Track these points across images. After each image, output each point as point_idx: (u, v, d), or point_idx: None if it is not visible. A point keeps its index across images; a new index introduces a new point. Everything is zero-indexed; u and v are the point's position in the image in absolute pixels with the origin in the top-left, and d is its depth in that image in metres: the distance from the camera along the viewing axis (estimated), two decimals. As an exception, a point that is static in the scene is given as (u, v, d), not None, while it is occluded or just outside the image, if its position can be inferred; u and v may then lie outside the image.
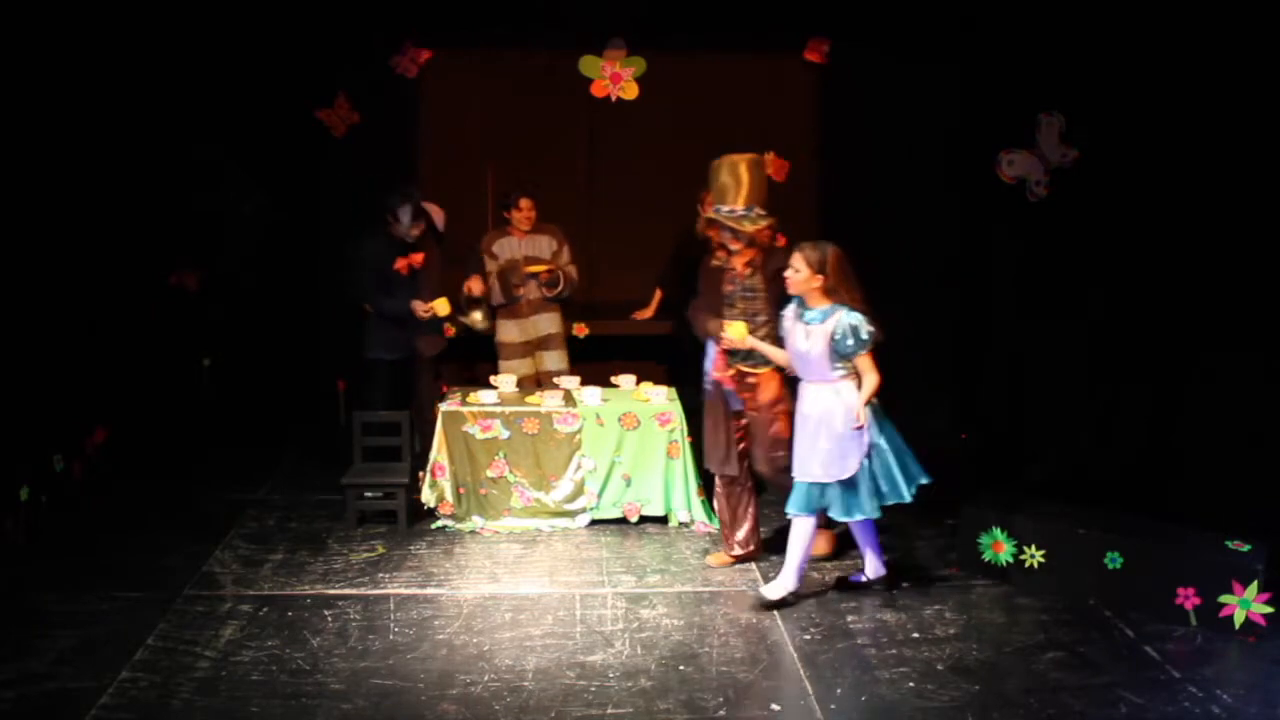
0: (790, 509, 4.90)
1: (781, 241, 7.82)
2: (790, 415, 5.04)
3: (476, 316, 6.50)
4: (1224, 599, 4.66)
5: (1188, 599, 4.73)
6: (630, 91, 7.66)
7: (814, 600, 5.02)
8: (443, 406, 5.97)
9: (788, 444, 5.02)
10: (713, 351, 5.26)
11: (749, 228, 5.05)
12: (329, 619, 4.77)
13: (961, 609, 4.95)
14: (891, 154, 7.61)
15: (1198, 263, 6.06)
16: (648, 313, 7.13)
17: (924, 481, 4.90)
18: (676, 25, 7.47)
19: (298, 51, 7.31)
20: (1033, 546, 5.13)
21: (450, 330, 7.42)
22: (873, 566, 5.11)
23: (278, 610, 4.85)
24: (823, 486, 4.82)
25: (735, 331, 5.06)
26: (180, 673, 4.28)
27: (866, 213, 7.72)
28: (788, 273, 4.82)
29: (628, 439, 5.92)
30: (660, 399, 6.04)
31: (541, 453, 5.92)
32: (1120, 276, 6.53)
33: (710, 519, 5.94)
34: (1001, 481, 6.25)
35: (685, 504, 5.95)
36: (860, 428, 4.74)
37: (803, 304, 4.86)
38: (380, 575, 5.27)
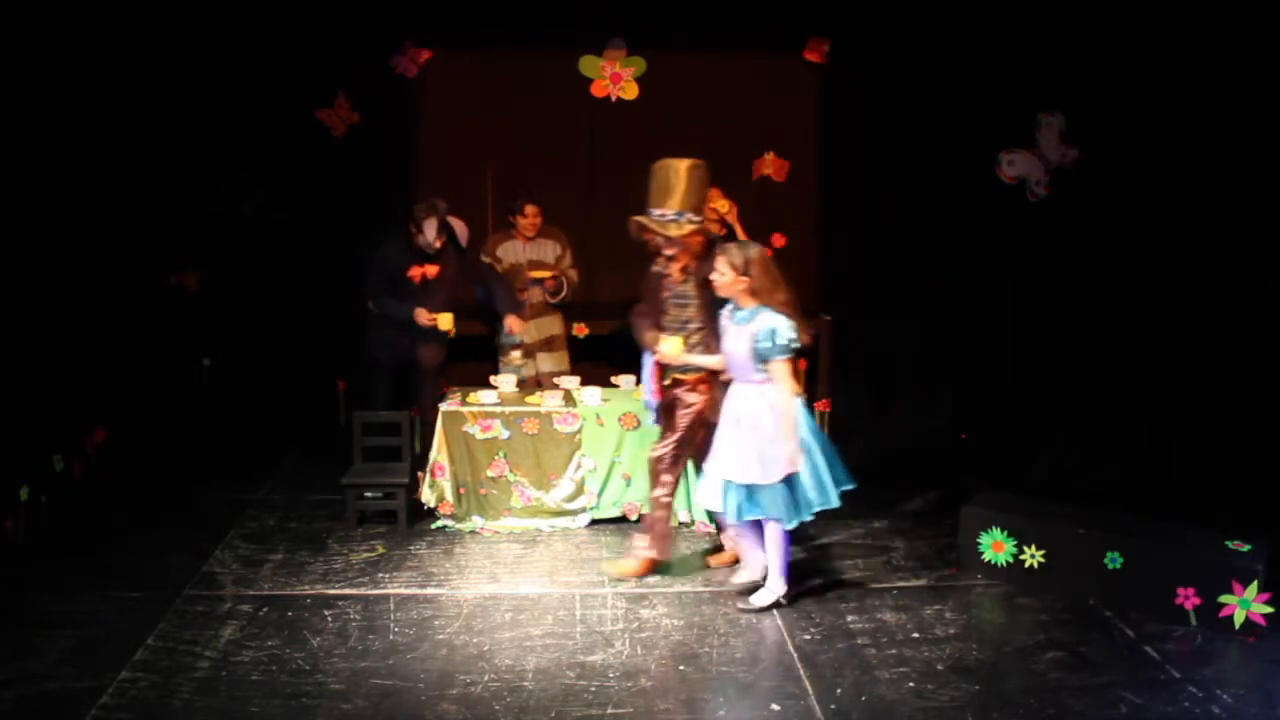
0: (730, 519, 4.89)
1: (781, 242, 7.90)
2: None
3: (515, 356, 6.49)
4: (1224, 599, 4.66)
5: (1188, 599, 4.73)
6: (630, 91, 7.66)
7: (814, 600, 5.02)
8: (443, 406, 5.97)
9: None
10: (648, 362, 5.24)
11: (674, 232, 5.00)
12: (329, 619, 4.77)
13: (961, 609, 4.95)
14: (891, 154, 7.61)
15: (1198, 263, 6.06)
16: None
17: (848, 487, 4.86)
18: (676, 25, 7.47)
19: (298, 51, 7.31)
20: (1033, 546, 5.14)
21: (451, 331, 7.44)
22: (759, 570, 4.99)
23: (278, 610, 4.85)
24: (749, 488, 4.77)
25: (670, 348, 5.04)
26: (180, 673, 4.28)
27: (866, 213, 7.73)
28: (714, 275, 4.82)
29: (628, 439, 5.92)
30: (660, 399, 6.04)
31: (541, 453, 5.92)
32: (1120, 277, 6.52)
33: (711, 519, 5.94)
34: (1001, 481, 6.26)
35: (685, 504, 5.94)
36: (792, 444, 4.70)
37: (735, 305, 4.85)
38: (380, 575, 5.27)
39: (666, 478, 5.23)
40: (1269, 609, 4.59)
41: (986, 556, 5.26)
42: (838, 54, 7.71)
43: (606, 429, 5.91)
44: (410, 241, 6.15)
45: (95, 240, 6.40)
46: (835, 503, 4.81)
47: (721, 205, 6.63)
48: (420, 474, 6.03)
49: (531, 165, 7.76)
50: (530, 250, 6.68)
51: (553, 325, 6.80)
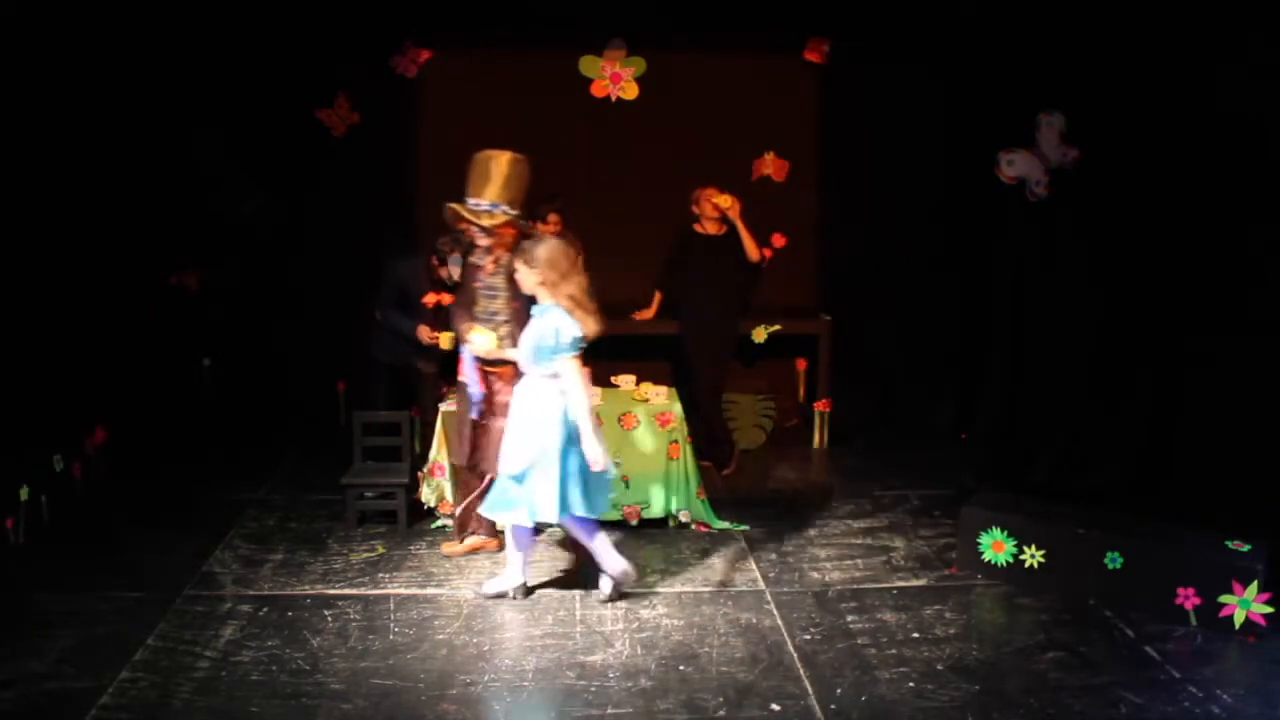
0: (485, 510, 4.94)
1: (781, 242, 7.90)
2: None
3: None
4: (1224, 599, 4.66)
5: (1188, 599, 4.73)
6: (630, 91, 7.66)
7: (814, 600, 5.03)
8: (443, 407, 5.96)
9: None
10: (467, 353, 5.26)
11: (487, 222, 5.03)
12: (329, 619, 4.77)
13: (961, 609, 4.95)
14: (891, 154, 7.62)
15: (1198, 263, 6.06)
16: (648, 314, 7.15)
17: (604, 510, 4.93)
18: (676, 25, 7.47)
19: (298, 51, 7.31)
20: (1033, 546, 5.14)
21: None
22: (611, 564, 4.98)
23: (278, 610, 4.85)
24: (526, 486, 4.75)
25: (481, 340, 5.06)
26: (180, 673, 4.28)
27: (866, 213, 7.73)
28: (516, 274, 4.87)
29: (627, 439, 5.92)
30: (660, 399, 6.04)
31: (541, 453, 5.92)
32: (1120, 277, 6.52)
33: (711, 519, 5.95)
34: (1001, 481, 6.26)
35: (685, 504, 5.94)
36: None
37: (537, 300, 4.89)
38: (380, 575, 5.27)
39: (482, 467, 5.29)
40: (1269, 609, 4.59)
41: (986, 556, 5.26)
42: (838, 54, 7.72)
43: (606, 430, 5.89)
44: (429, 268, 6.16)
45: (95, 240, 6.40)
46: (599, 512, 4.86)
47: (724, 200, 6.65)
48: (420, 474, 6.03)
49: (531, 165, 7.76)
50: None
51: None
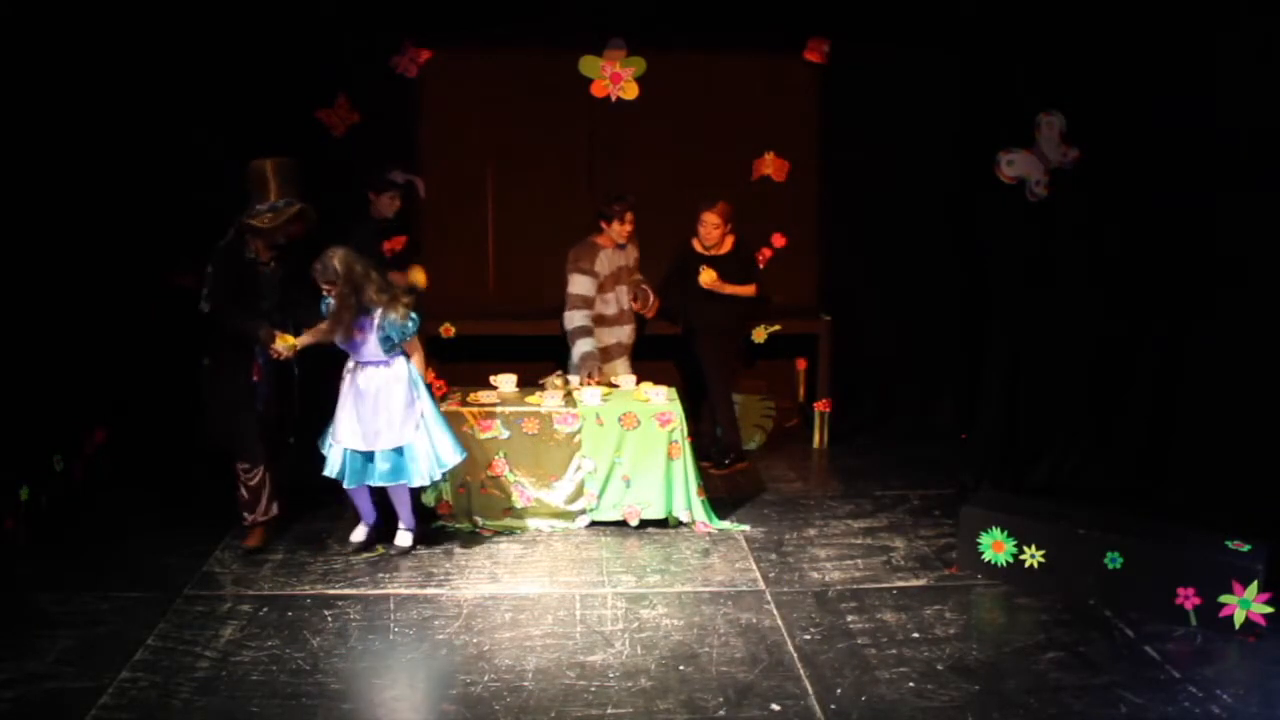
0: (349, 483, 5.40)
1: (781, 242, 7.90)
2: None
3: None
4: (1224, 599, 4.66)
5: (1188, 599, 4.73)
6: (630, 91, 7.66)
7: (814, 600, 5.03)
8: (443, 406, 5.96)
9: None
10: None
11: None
12: (329, 619, 4.77)
13: (961, 609, 4.95)
14: (891, 154, 7.61)
15: (1198, 262, 6.06)
16: (648, 313, 7.15)
17: (461, 457, 5.49)
18: (676, 25, 7.46)
19: (298, 51, 7.31)
20: (1033, 546, 5.14)
21: (449, 330, 7.43)
22: (406, 523, 5.60)
23: (278, 610, 4.85)
24: (367, 456, 5.36)
25: (284, 343, 5.44)
26: (180, 673, 4.28)
27: (867, 212, 7.73)
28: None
29: (628, 439, 5.92)
30: (660, 399, 6.04)
31: (541, 453, 5.92)
32: (1120, 276, 6.52)
33: (711, 519, 5.95)
34: (1001, 481, 6.26)
35: (685, 504, 5.94)
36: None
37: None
38: (380, 575, 5.27)
39: (259, 448, 5.59)
40: (1269, 609, 4.59)
41: (986, 556, 5.27)
42: (838, 54, 7.71)
43: (606, 429, 5.91)
44: (372, 218, 6.53)
45: (95, 240, 6.40)
46: (456, 460, 5.48)
47: (706, 278, 6.58)
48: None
49: (531, 165, 7.76)
50: (620, 257, 6.69)
51: (632, 333, 6.85)
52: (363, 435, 5.35)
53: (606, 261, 6.59)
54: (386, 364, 5.36)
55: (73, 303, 6.18)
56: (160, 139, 7.00)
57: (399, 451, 5.37)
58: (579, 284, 6.51)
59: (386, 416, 5.33)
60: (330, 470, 5.43)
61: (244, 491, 5.62)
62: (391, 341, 5.28)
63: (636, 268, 6.82)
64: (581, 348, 6.44)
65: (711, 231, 6.63)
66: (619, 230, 6.54)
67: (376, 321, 5.25)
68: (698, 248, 6.78)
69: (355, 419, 5.37)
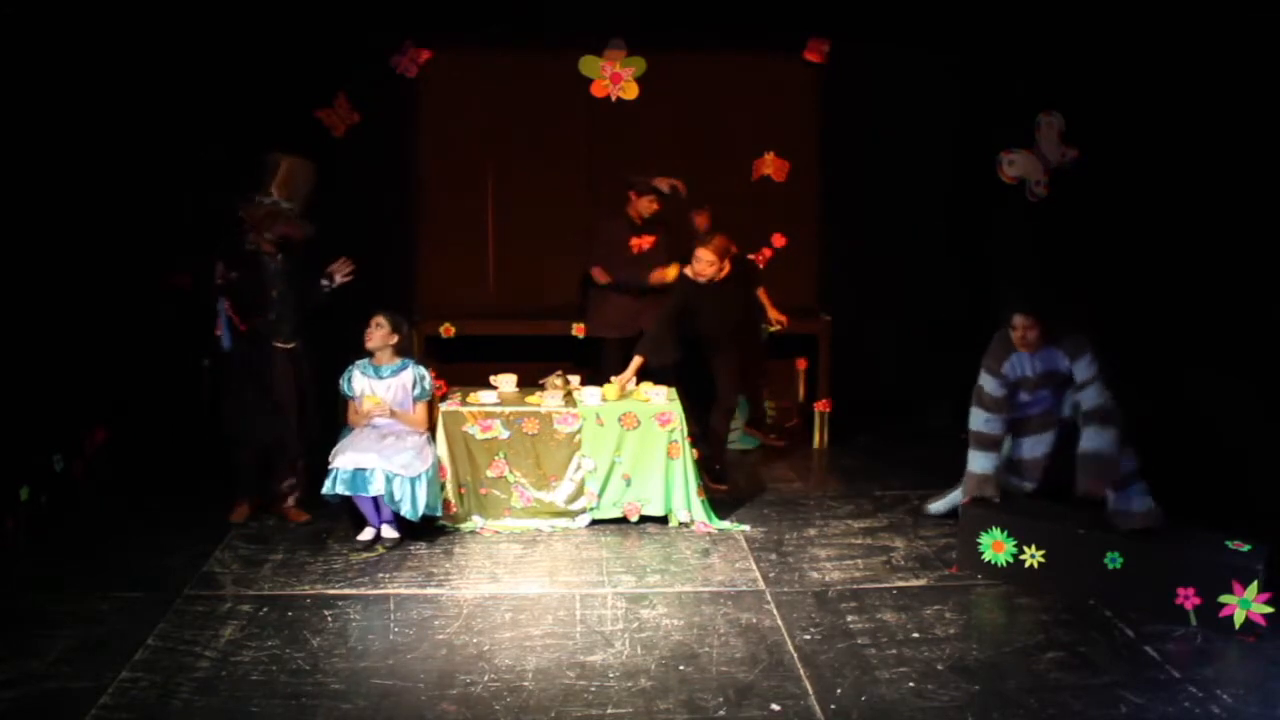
0: (348, 490, 5.51)
1: (781, 242, 7.90)
2: None
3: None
4: (1224, 599, 4.66)
5: (1188, 599, 4.73)
6: (630, 91, 7.66)
7: (814, 600, 5.03)
8: (443, 406, 5.97)
9: None
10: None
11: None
12: (329, 619, 4.77)
13: (961, 609, 4.95)
14: (891, 154, 7.62)
15: (1198, 262, 6.06)
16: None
17: (435, 514, 5.72)
18: (676, 25, 7.47)
19: (298, 51, 7.31)
20: (1033, 546, 5.14)
21: (449, 330, 7.43)
22: (388, 518, 5.64)
23: (278, 610, 4.85)
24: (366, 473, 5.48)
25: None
26: (180, 673, 4.28)
27: (867, 212, 7.74)
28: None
29: (628, 439, 5.92)
30: (660, 399, 6.04)
31: (541, 453, 5.92)
32: (1120, 276, 6.53)
33: (711, 519, 5.95)
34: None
35: (685, 504, 5.94)
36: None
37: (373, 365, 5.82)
38: (380, 575, 5.27)
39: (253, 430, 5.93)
40: (1269, 609, 4.59)
41: (986, 556, 5.27)
42: (837, 54, 7.72)
43: (606, 429, 5.91)
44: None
45: (95, 240, 6.40)
46: (431, 513, 5.67)
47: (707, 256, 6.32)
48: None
49: (531, 165, 7.77)
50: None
51: None
52: (377, 452, 5.50)
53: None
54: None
55: (72, 303, 6.18)
56: (160, 139, 7.00)
57: (394, 477, 5.50)
58: None
59: (398, 446, 5.58)
60: (327, 489, 5.54)
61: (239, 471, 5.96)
62: (422, 390, 5.79)
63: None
64: None
65: (706, 269, 6.17)
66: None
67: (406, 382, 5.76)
68: (694, 278, 6.26)
69: (365, 441, 5.57)
